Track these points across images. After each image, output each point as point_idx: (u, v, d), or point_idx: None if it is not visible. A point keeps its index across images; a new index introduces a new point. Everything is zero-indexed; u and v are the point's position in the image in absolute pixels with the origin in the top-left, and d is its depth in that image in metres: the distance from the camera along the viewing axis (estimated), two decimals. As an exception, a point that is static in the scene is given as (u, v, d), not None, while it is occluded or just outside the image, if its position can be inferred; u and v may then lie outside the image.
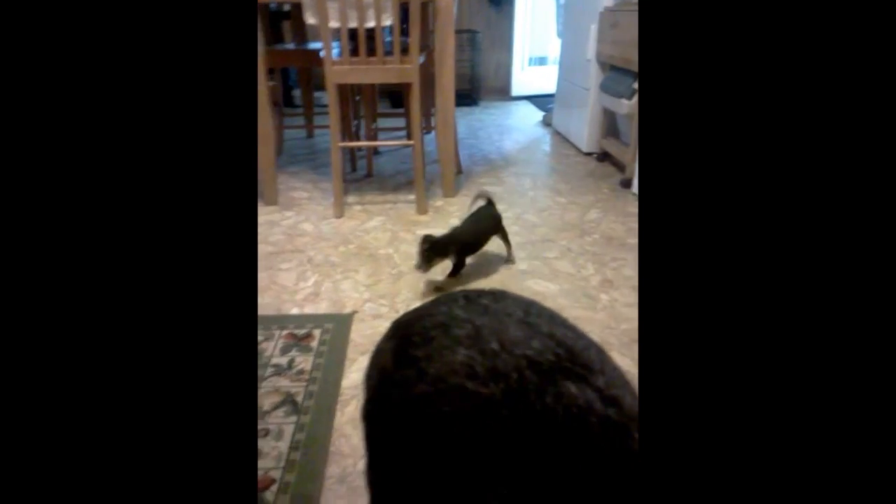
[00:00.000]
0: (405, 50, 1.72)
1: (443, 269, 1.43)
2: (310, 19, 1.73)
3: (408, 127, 2.50)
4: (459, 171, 2.25)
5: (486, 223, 1.47)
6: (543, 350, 0.35)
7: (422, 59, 1.79)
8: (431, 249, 1.31)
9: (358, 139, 2.36)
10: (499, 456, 0.31)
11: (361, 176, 2.27)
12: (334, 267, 1.52)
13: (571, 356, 0.34)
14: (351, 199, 2.00)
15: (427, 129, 2.63)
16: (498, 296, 0.39)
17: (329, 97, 1.74)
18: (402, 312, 1.36)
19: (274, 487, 0.83)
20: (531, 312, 0.38)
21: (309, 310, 1.31)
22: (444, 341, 0.37)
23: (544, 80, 3.72)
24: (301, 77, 2.62)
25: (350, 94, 2.18)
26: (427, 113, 2.54)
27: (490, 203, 1.50)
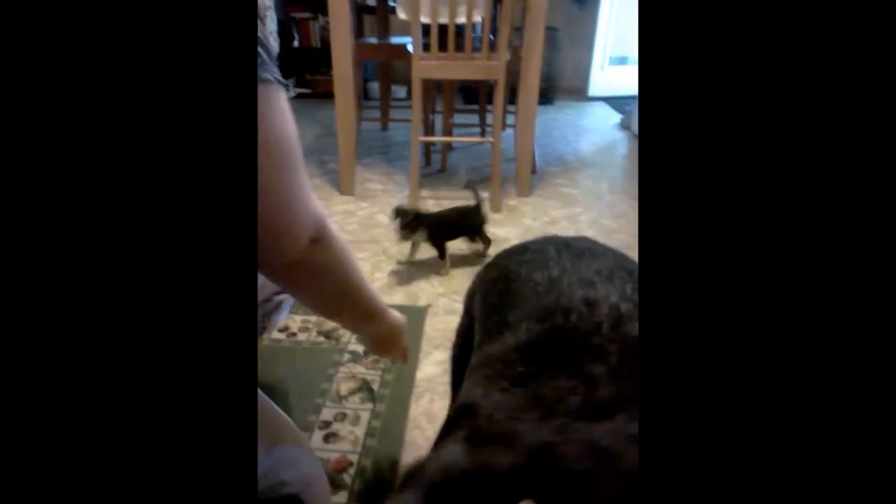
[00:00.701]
0: (493, 46, 1.71)
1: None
2: (402, 14, 1.76)
3: (481, 123, 2.49)
4: (534, 171, 2.22)
5: (454, 217, 1.49)
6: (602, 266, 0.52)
7: (507, 56, 1.77)
8: (416, 218, 1.39)
9: (433, 134, 2.38)
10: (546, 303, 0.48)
11: (435, 170, 2.28)
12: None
13: (621, 265, 0.52)
14: (425, 192, 2.02)
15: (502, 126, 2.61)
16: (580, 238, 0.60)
17: (413, 91, 1.76)
18: None
19: (351, 470, 0.85)
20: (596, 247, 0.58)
21: (386, 300, 1.33)
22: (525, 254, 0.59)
23: (623, 81, 3.60)
24: (380, 71, 2.67)
25: (430, 90, 2.19)
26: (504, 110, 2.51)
27: (476, 206, 1.50)
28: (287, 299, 0.83)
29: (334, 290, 0.55)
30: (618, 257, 0.55)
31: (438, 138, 2.16)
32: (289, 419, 0.67)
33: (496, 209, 1.87)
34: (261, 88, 0.38)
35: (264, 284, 0.71)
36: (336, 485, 0.83)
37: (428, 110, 2.18)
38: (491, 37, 1.69)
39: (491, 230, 1.73)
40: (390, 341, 0.74)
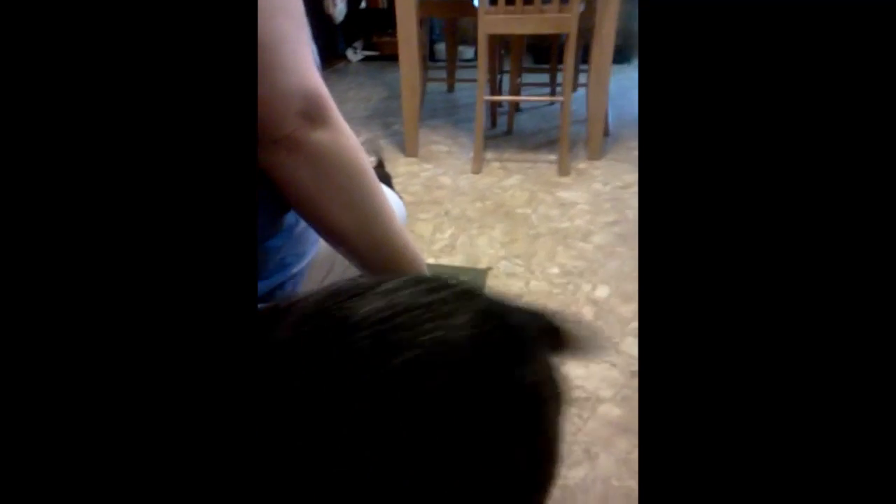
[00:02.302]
0: (564, -3, 1.61)
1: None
2: (468, -35, 1.68)
3: (551, 83, 2.38)
4: (607, 133, 2.10)
5: None
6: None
7: (581, 8, 1.66)
8: None
9: (500, 94, 2.30)
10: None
11: (501, 132, 2.21)
12: (471, 222, 1.51)
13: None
14: (490, 155, 1.97)
15: (574, 86, 2.48)
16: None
17: (479, 48, 1.69)
18: (536, 274, 1.31)
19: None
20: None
21: (445, 261, 1.32)
22: None
23: (710, 37, 3.30)
24: (446, 29, 2.60)
25: (498, 48, 2.11)
26: (576, 69, 2.39)
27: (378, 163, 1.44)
28: None
29: (343, 201, 0.44)
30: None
31: (504, 97, 2.08)
32: None
33: (564, 172, 1.79)
34: None
35: (342, 270, 0.64)
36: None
37: (495, 69, 2.10)
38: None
39: (557, 194, 1.67)
40: None
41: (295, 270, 0.60)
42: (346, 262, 0.54)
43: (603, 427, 0.86)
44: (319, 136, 0.41)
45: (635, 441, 0.83)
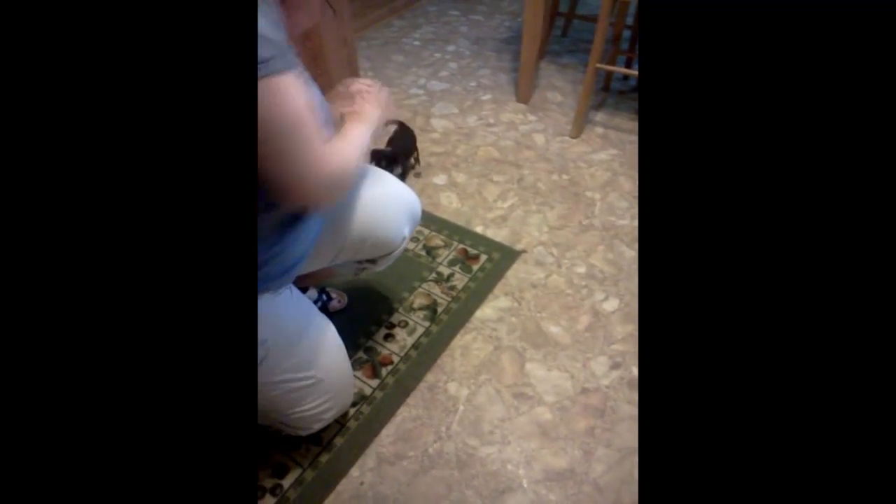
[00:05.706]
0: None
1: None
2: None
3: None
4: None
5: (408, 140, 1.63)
6: None
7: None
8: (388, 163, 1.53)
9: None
10: None
11: (630, 88, 2.10)
12: (536, 195, 1.61)
13: None
14: (599, 117, 1.93)
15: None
16: None
17: (602, 4, 1.60)
18: (562, 269, 1.53)
19: (389, 367, 1.16)
20: None
21: (491, 233, 1.49)
22: None
23: None
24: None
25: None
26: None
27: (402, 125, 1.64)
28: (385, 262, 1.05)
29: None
30: None
31: (619, 69, 1.92)
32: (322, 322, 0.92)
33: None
34: (277, 79, 0.52)
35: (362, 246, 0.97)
36: (375, 374, 1.15)
37: (619, 32, 1.92)
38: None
39: (638, 183, 1.65)
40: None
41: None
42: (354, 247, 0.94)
43: (528, 424, 1.07)
44: (341, 196, 0.76)
45: (545, 443, 1.03)
